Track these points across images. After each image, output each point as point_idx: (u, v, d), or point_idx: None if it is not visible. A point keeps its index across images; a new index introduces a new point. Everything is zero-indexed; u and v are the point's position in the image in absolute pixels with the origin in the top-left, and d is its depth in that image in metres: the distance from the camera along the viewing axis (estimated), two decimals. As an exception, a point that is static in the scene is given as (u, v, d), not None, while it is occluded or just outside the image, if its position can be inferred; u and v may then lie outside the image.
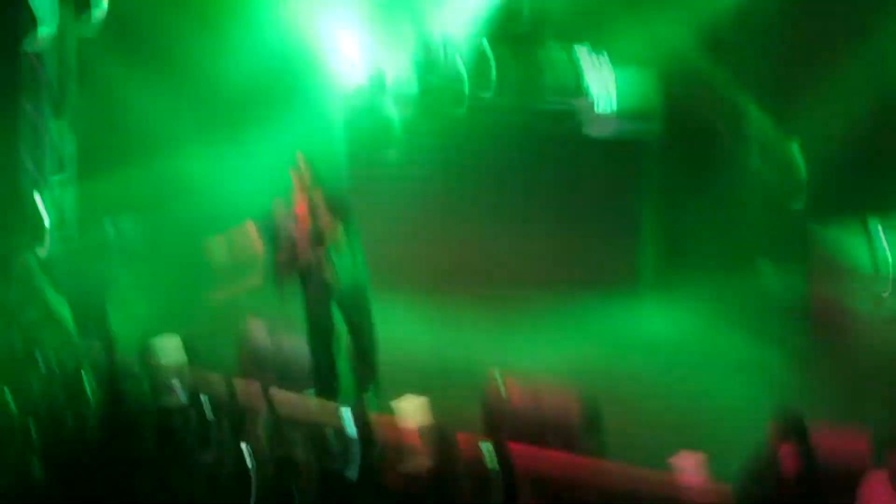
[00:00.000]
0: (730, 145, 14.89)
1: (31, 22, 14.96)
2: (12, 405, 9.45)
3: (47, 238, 15.21)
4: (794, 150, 14.50)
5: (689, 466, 9.44)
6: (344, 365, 11.80)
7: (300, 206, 11.61)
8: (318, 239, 11.52)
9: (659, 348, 13.00)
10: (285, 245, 11.62)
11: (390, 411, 10.10)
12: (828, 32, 14.20)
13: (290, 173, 11.66)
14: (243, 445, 8.69)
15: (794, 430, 8.63)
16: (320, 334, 11.69)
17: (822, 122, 13.87)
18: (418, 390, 10.95)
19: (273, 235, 11.69)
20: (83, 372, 9.67)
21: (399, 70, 15.43)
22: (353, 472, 8.73)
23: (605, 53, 14.67)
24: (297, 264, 11.60)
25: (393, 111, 15.31)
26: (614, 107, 14.64)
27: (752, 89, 14.71)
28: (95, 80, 15.57)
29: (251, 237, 11.80)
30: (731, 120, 14.80)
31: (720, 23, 14.52)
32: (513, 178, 14.92)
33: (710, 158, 14.85)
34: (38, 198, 15.40)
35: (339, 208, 11.59)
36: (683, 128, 14.75)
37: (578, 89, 14.72)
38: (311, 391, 11.33)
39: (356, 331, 11.73)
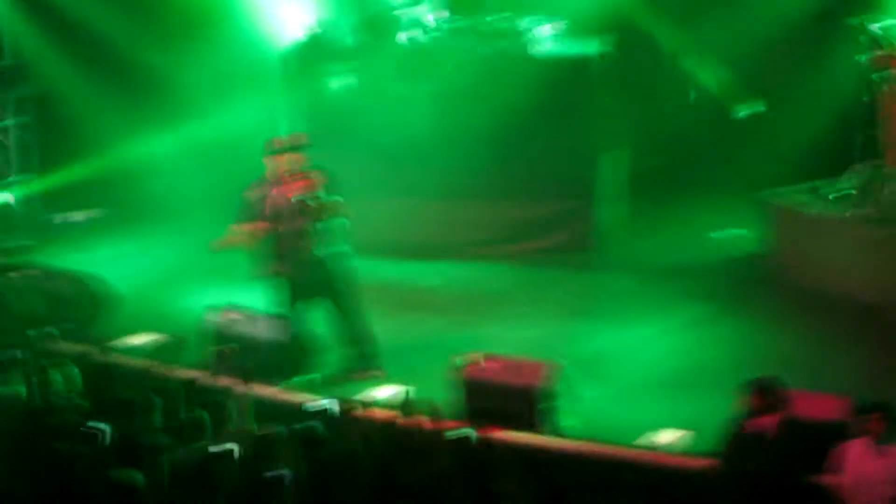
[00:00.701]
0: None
1: None
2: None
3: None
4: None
5: (669, 442, 9.60)
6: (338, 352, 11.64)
7: (282, 186, 11.22)
8: (305, 216, 11.16)
9: (624, 317, 12.86)
10: (271, 227, 11.23)
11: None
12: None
13: (266, 154, 11.27)
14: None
15: (772, 396, 8.71)
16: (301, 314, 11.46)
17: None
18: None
19: (257, 218, 11.24)
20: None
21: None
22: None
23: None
24: (287, 246, 11.23)
25: (344, 43, 14.89)
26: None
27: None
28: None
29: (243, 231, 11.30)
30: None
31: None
32: (467, 116, 14.23)
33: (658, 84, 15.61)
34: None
35: (323, 180, 11.20)
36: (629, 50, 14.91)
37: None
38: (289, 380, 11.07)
39: (345, 313, 11.46)
